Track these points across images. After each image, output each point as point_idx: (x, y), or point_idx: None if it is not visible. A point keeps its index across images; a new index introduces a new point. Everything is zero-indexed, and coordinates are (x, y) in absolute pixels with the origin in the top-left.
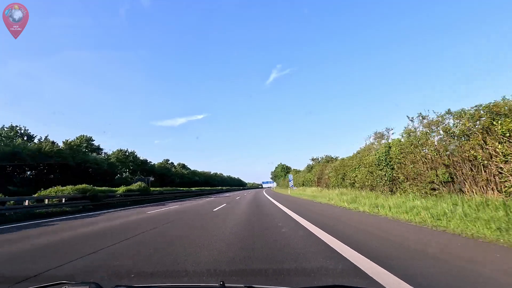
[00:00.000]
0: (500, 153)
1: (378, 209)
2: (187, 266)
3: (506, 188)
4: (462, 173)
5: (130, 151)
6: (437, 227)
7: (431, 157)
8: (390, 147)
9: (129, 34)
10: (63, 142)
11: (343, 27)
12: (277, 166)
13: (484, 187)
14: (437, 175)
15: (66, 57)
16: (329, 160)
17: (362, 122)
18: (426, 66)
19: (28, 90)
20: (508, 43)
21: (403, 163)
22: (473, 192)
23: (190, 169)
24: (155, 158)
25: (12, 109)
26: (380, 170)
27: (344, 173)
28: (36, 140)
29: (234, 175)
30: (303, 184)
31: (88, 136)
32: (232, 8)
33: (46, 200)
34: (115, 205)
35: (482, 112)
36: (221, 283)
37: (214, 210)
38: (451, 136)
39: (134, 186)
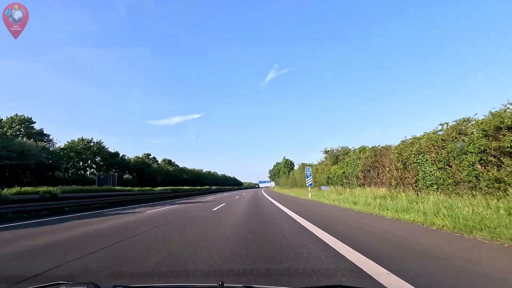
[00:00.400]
0: None
1: None
2: None
3: None
4: None
5: (96, 140)
6: None
7: None
8: None
9: (128, 32)
10: None
11: (342, 27)
12: (275, 164)
13: None
14: None
15: (59, 54)
16: (347, 152)
17: (362, 122)
18: (426, 66)
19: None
20: (508, 43)
21: None
22: None
23: (177, 166)
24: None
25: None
26: None
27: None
28: None
29: (231, 174)
30: (327, 182)
31: (27, 117)
32: (229, 7)
33: None
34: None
35: None
36: (220, 283)
37: None
38: None
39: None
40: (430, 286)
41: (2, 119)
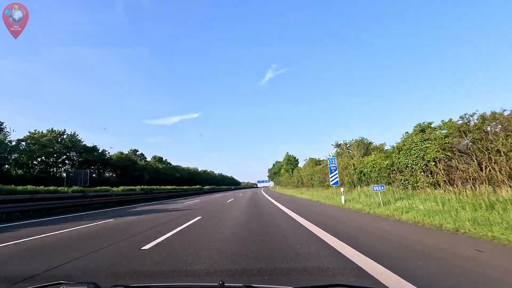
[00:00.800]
0: None
1: None
2: None
3: None
4: None
5: (69, 132)
6: None
7: None
8: None
9: (128, 32)
10: None
11: (342, 27)
12: (275, 163)
13: None
14: None
15: (59, 54)
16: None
17: (362, 122)
18: (426, 66)
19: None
20: (508, 43)
21: None
22: None
23: (170, 164)
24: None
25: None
26: None
27: None
28: None
29: (230, 174)
30: (359, 180)
31: None
32: (229, 7)
33: None
34: None
35: None
36: (220, 282)
37: None
38: None
39: None
40: None
41: None
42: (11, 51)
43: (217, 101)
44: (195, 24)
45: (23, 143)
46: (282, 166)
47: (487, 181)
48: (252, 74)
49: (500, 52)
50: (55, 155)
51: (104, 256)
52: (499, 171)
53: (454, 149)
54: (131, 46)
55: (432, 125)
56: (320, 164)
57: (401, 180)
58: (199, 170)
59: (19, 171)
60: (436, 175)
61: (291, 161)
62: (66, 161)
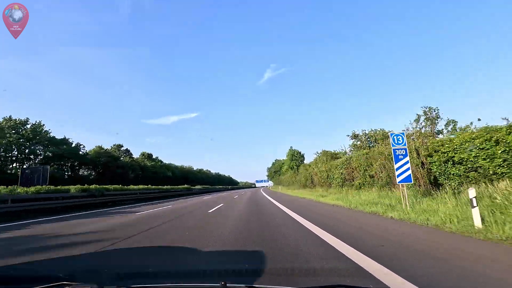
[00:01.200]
0: None
1: None
2: None
3: None
4: None
5: (33, 122)
6: None
7: None
8: None
9: (128, 32)
10: None
11: (341, 27)
12: (274, 161)
13: None
14: None
15: (59, 54)
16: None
17: (362, 122)
18: (426, 66)
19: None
20: (508, 43)
21: None
22: None
23: (161, 162)
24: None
25: None
26: None
27: None
28: None
29: (229, 174)
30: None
31: None
32: (229, 7)
33: None
34: None
35: None
36: (222, 283)
37: None
38: None
39: None
40: None
41: None
42: (11, 51)
43: (216, 100)
44: (195, 24)
45: None
46: (283, 164)
47: None
48: (252, 74)
49: (500, 52)
50: (14, 148)
51: None
52: None
53: None
54: (131, 46)
55: None
56: (338, 158)
57: None
58: (194, 169)
59: None
60: None
61: (296, 157)
62: (31, 156)
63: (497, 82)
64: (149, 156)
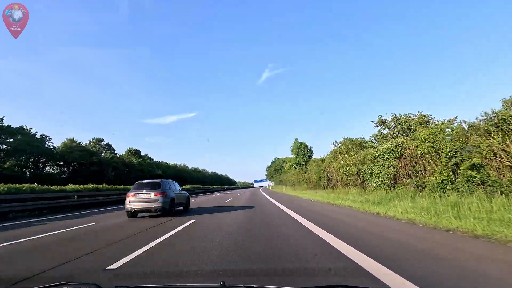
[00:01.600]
0: None
1: None
2: None
3: None
4: None
5: None
6: None
7: None
8: None
9: (128, 32)
10: None
11: (341, 27)
12: (274, 160)
13: None
14: None
15: (59, 54)
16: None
17: (361, 122)
18: (426, 66)
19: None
20: (508, 43)
21: None
22: None
23: (151, 159)
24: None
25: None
26: None
27: None
28: None
29: (225, 173)
30: None
31: None
32: (229, 7)
33: None
34: None
35: None
36: (221, 283)
37: None
38: None
39: None
40: None
41: None
42: (11, 51)
43: (216, 100)
44: (195, 24)
45: None
46: (284, 161)
47: None
48: (251, 73)
49: (500, 52)
50: None
51: None
52: None
53: None
54: (131, 46)
55: None
56: (367, 147)
57: None
58: (190, 167)
59: None
60: None
61: (303, 151)
62: None
63: (497, 82)
64: (137, 152)
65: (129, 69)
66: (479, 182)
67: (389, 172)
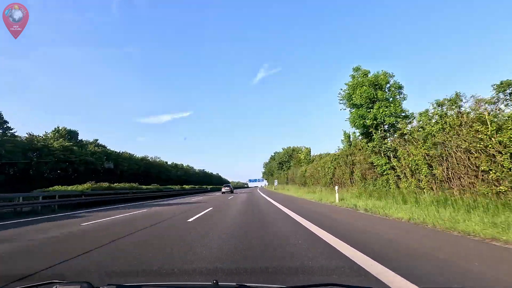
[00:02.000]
0: None
1: None
2: None
3: None
4: None
5: None
6: None
7: None
8: None
9: (120, 31)
10: None
11: (338, 26)
12: (274, 154)
13: None
14: None
15: (51, 52)
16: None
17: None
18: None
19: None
20: (508, 43)
21: None
22: None
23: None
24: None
25: None
26: None
27: None
28: None
29: (217, 172)
30: None
31: None
32: (218, 7)
33: None
34: None
35: None
36: (214, 281)
37: None
38: None
39: None
40: None
41: None
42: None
43: (210, 99)
44: (189, 24)
45: None
46: (294, 150)
47: None
48: (246, 73)
49: (500, 53)
50: None
51: None
52: None
53: None
54: (123, 45)
55: None
56: None
57: None
58: (169, 163)
59: None
60: None
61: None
62: None
63: (498, 82)
64: (71, 134)
65: (122, 68)
66: None
67: None
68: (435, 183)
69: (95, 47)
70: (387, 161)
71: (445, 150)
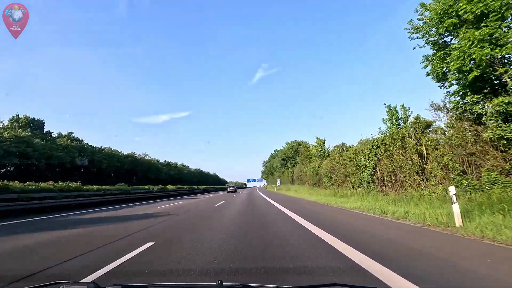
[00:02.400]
0: None
1: None
2: None
3: None
4: None
5: None
6: None
7: None
8: None
9: (121, 32)
10: None
11: (336, 26)
12: (274, 151)
13: None
14: None
15: (49, 52)
16: None
17: (361, 122)
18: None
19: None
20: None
21: None
22: None
23: (78, 141)
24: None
25: None
26: None
27: None
28: None
29: (214, 172)
30: None
31: None
32: (216, 7)
33: None
34: None
35: None
36: (219, 282)
37: None
38: None
39: None
40: None
41: None
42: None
43: (209, 99)
44: (182, 21)
45: None
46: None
47: None
48: (245, 73)
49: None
50: None
51: None
52: None
53: None
54: (124, 45)
55: None
56: None
57: None
58: (160, 161)
59: None
60: None
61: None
62: None
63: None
64: (34, 124)
65: (122, 68)
66: None
67: None
68: None
69: (94, 47)
70: None
71: None
